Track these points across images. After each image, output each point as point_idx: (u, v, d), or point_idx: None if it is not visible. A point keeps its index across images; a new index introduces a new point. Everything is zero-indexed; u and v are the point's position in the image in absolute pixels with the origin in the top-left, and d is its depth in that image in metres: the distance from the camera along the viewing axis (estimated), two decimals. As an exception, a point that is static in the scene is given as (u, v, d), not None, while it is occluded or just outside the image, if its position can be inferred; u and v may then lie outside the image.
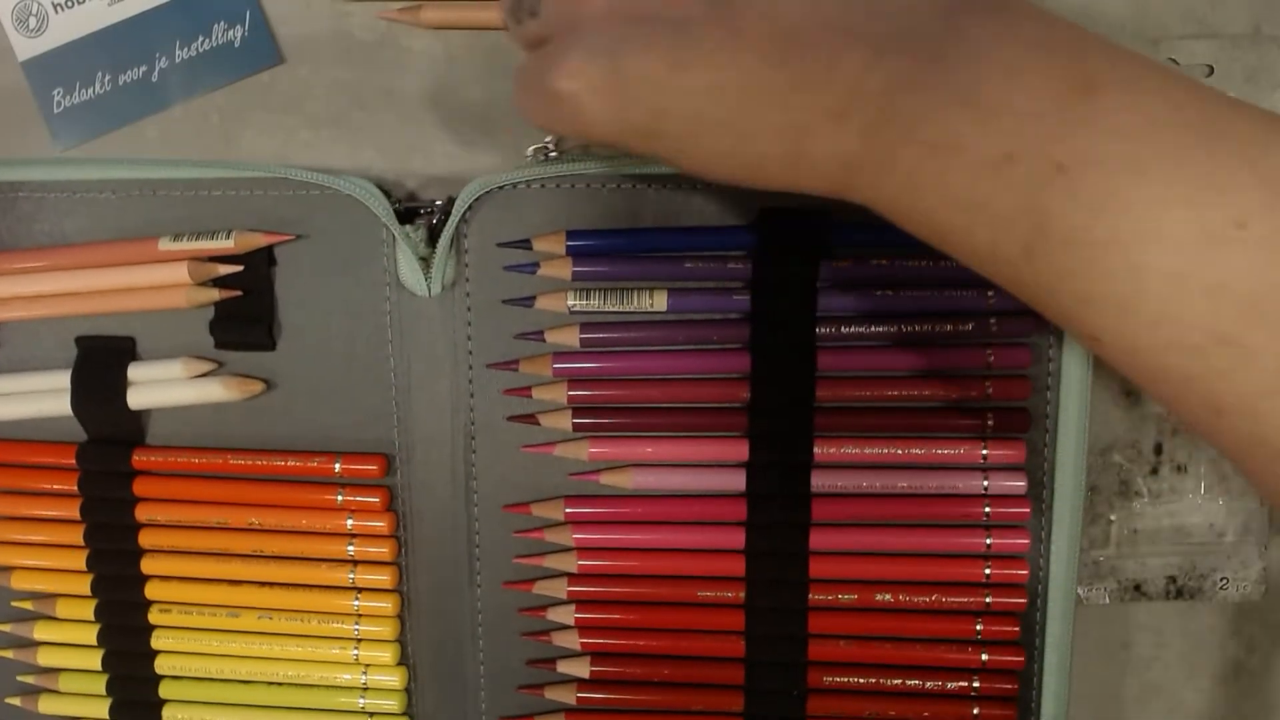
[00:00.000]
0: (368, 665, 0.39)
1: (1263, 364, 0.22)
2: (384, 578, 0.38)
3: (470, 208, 0.36)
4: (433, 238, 0.37)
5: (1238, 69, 0.37)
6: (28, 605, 0.40)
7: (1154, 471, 0.39)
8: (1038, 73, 0.23)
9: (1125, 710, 0.42)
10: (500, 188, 0.36)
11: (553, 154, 0.36)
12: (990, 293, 0.35)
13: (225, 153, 0.39)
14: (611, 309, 0.36)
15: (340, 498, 0.38)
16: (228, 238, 0.36)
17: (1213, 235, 0.22)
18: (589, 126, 0.27)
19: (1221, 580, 0.40)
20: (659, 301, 0.36)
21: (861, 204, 0.27)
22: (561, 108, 0.27)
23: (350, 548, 0.38)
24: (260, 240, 0.36)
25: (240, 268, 0.37)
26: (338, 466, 0.37)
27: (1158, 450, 0.39)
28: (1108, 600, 0.40)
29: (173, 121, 0.39)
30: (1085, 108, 0.23)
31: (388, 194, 0.36)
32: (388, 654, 0.38)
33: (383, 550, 0.38)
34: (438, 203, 0.38)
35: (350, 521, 0.38)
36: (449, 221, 0.36)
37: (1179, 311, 0.22)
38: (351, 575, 0.38)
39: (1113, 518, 0.40)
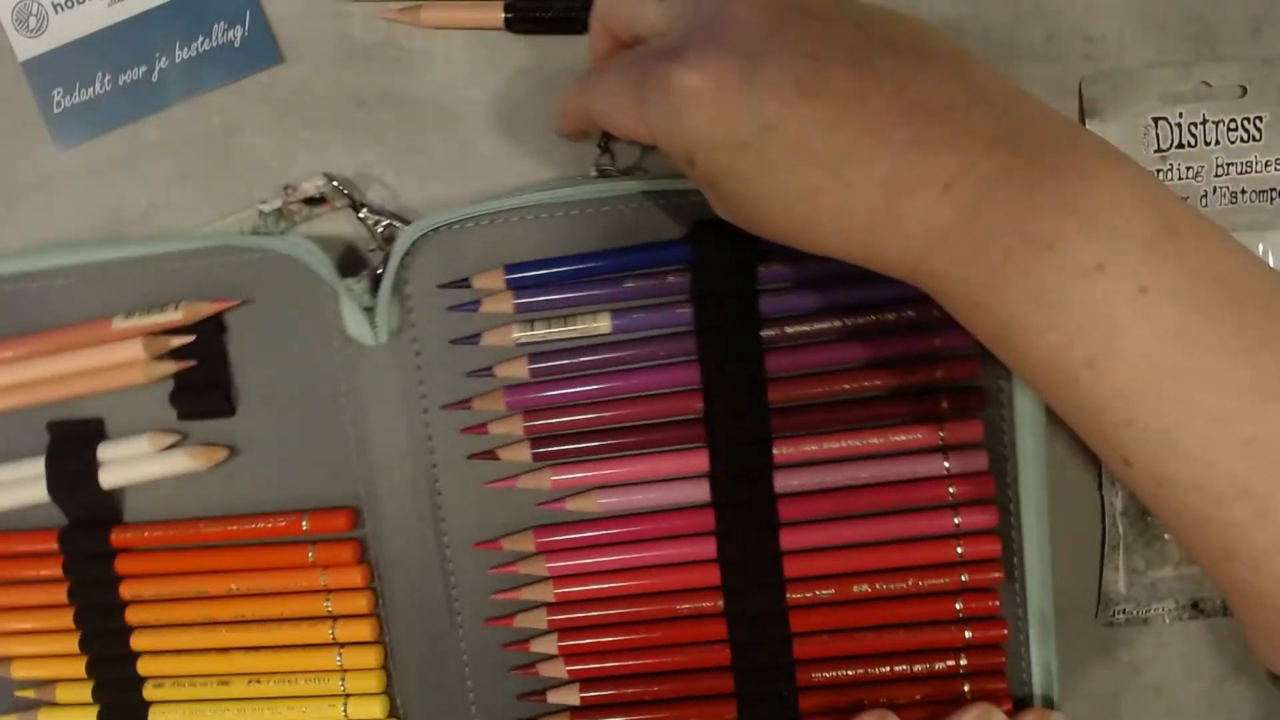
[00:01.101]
0: (358, 721, 0.39)
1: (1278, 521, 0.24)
2: (364, 630, 0.38)
3: (408, 252, 0.37)
4: (376, 286, 0.37)
5: (1271, 87, 0.37)
6: (30, 694, 0.41)
7: None
8: (1136, 208, 0.25)
9: (1125, 710, 0.41)
10: (436, 229, 0.36)
11: (593, 174, 0.37)
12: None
13: (226, 153, 0.39)
14: (556, 336, 0.37)
15: (311, 554, 0.38)
16: (176, 309, 0.37)
17: (1264, 391, 0.24)
18: (686, 124, 0.28)
19: None
20: (603, 323, 0.36)
21: (927, 287, 0.28)
22: (668, 99, 0.28)
23: (327, 603, 0.38)
24: (207, 309, 0.37)
25: (192, 338, 0.37)
26: (305, 523, 0.38)
27: None
28: (1168, 621, 0.40)
29: (173, 121, 0.39)
30: (1170, 245, 0.25)
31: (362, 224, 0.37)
32: (377, 706, 0.39)
33: (359, 603, 0.38)
34: (378, 251, 0.38)
35: (324, 577, 0.38)
36: (387, 269, 0.36)
37: (1213, 455, 0.24)
38: (332, 631, 0.38)
39: (1168, 537, 0.39)
